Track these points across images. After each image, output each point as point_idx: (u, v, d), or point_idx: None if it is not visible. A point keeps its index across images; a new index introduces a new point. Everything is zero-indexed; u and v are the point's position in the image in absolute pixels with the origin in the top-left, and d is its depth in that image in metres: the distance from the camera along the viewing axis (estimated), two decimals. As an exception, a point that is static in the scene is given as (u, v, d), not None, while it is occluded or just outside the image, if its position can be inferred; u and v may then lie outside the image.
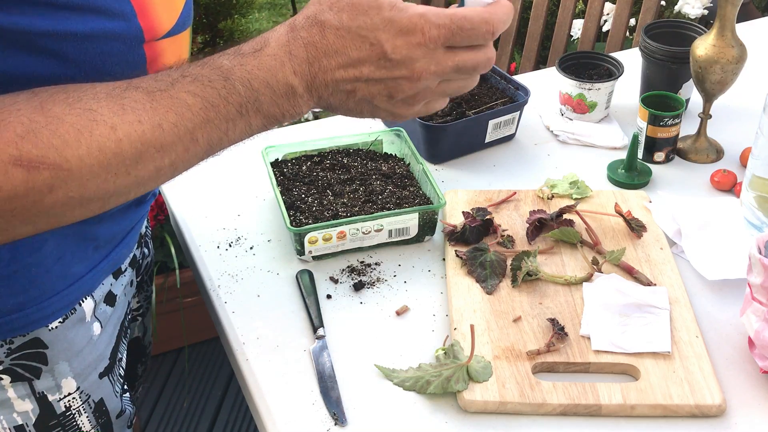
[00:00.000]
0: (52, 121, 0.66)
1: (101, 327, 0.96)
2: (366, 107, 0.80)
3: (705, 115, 1.37)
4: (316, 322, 1.06)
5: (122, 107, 0.68)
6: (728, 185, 1.30)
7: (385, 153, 1.32)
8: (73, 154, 0.66)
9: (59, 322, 0.90)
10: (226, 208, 1.28)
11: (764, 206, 1.17)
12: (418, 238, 1.19)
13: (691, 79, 1.38)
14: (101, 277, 0.95)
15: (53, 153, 0.65)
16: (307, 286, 1.11)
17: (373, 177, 1.25)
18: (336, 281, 1.13)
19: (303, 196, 1.21)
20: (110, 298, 0.98)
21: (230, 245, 1.20)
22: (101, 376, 0.98)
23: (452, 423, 0.94)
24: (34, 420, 0.92)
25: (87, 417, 0.97)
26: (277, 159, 1.29)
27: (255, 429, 2.19)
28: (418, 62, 0.76)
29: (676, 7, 2.66)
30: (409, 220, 1.16)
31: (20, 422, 0.91)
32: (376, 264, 1.16)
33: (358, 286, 1.12)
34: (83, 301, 0.92)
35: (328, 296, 1.11)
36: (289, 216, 1.16)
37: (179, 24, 0.84)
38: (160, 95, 0.70)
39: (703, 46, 1.31)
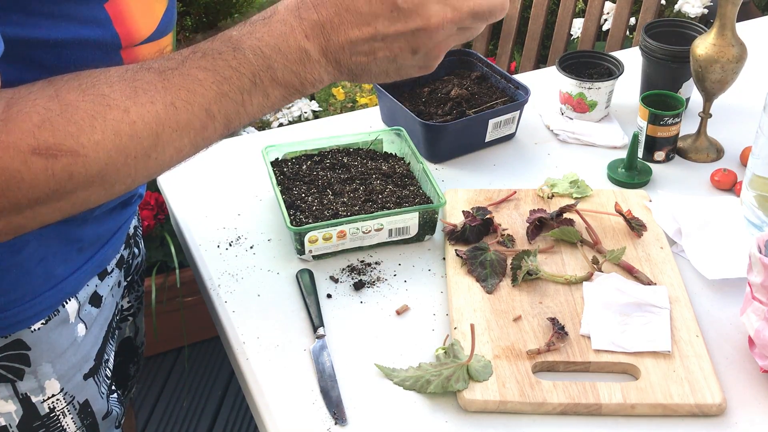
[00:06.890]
0: (66, 109, 0.65)
1: (86, 328, 0.96)
2: (391, 67, 0.77)
3: (705, 115, 1.37)
4: (316, 322, 1.06)
5: (134, 90, 0.68)
6: (728, 184, 1.30)
7: (385, 152, 1.32)
8: (89, 140, 0.66)
9: (42, 323, 0.89)
10: (226, 208, 1.27)
11: (764, 205, 1.16)
12: (418, 238, 1.19)
13: (691, 79, 1.38)
14: (85, 279, 0.94)
15: (69, 140, 0.65)
16: (307, 285, 1.11)
17: (373, 176, 1.25)
18: (336, 280, 1.13)
19: (303, 195, 1.21)
20: (96, 299, 0.97)
21: (230, 245, 1.20)
22: (86, 377, 0.97)
23: (452, 422, 0.94)
24: (17, 421, 0.92)
25: (72, 418, 0.96)
26: (277, 158, 1.29)
27: (255, 429, 2.19)
28: (431, 10, 0.74)
29: (676, 6, 2.66)
30: (409, 220, 1.16)
31: (3, 423, 0.91)
32: (376, 263, 1.16)
33: (358, 286, 1.12)
34: (67, 303, 0.92)
35: (329, 295, 1.11)
36: (289, 215, 1.16)
37: (159, 30, 0.83)
38: (171, 74, 0.70)
39: (703, 45, 1.30)
